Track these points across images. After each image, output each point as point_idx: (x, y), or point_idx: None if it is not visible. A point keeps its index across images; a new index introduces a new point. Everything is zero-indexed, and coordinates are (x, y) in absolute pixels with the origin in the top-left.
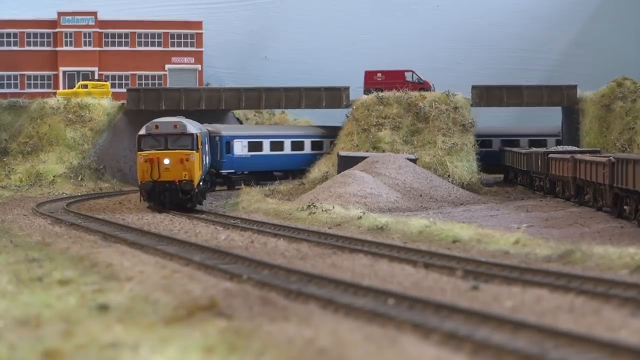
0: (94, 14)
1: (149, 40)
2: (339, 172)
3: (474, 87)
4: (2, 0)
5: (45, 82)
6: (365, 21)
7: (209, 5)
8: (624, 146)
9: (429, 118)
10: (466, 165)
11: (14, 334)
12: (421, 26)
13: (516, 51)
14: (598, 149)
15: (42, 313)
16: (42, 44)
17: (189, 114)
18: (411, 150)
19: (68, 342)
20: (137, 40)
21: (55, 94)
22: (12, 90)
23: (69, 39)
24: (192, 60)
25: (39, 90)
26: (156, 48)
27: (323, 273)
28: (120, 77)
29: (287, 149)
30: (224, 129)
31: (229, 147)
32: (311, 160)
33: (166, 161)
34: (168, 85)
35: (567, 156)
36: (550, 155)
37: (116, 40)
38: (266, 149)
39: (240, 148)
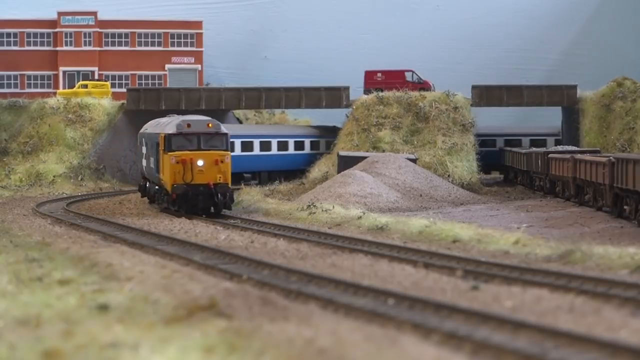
0: (94, 13)
1: (149, 40)
2: (339, 172)
3: (474, 87)
4: (2, 0)
5: (45, 82)
6: (365, 21)
7: (209, 5)
8: (624, 146)
9: (429, 118)
10: (466, 165)
11: (14, 334)
12: (421, 26)
13: (516, 51)
14: (598, 148)
15: (42, 313)
16: (42, 44)
17: (188, 114)
18: (411, 150)
19: (68, 342)
20: (137, 40)
21: (55, 93)
22: (12, 90)
23: (69, 39)
24: (192, 60)
25: (39, 90)
26: (156, 48)
27: (323, 273)
28: (120, 77)
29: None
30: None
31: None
32: (309, 160)
33: (200, 162)
34: (168, 85)
35: (567, 156)
36: (550, 155)
37: (116, 40)
38: (256, 150)
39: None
